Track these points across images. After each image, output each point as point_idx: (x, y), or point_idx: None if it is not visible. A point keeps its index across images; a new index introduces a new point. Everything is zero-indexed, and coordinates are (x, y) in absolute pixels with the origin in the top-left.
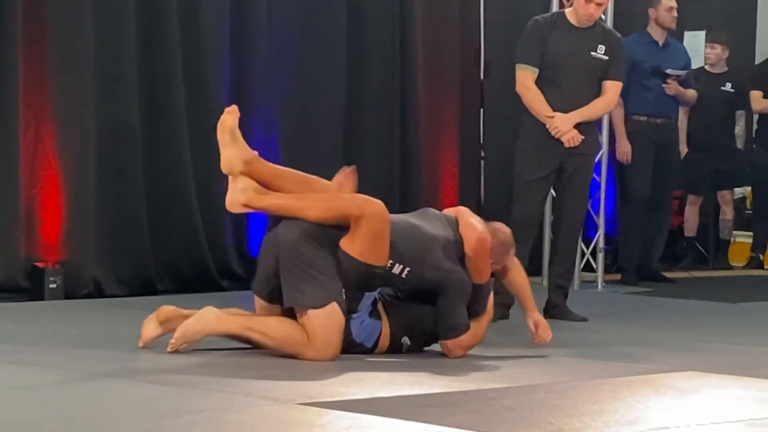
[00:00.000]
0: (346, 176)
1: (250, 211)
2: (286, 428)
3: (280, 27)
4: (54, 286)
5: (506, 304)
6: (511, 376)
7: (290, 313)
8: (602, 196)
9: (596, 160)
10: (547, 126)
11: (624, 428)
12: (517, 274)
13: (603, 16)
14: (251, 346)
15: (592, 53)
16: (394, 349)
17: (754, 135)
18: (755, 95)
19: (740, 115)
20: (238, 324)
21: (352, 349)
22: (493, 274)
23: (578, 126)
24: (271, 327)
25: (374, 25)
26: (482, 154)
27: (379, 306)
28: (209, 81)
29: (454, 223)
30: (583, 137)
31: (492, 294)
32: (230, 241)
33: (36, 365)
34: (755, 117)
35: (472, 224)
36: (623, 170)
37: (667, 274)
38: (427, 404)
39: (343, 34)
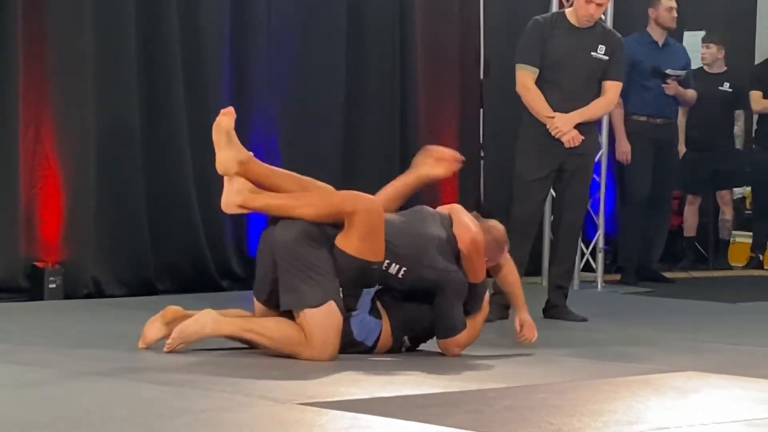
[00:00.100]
0: (436, 159)
1: (246, 212)
2: (286, 428)
3: (279, 27)
4: (54, 286)
5: (505, 304)
6: (511, 376)
7: (289, 315)
8: (602, 196)
9: (596, 160)
10: (548, 126)
11: (624, 428)
12: (510, 272)
13: (603, 16)
14: (250, 346)
15: (592, 53)
16: (394, 348)
17: (753, 135)
18: (755, 95)
19: (739, 115)
20: (235, 326)
21: (353, 348)
22: (489, 275)
23: (578, 126)
24: (268, 328)
25: (374, 24)
26: (482, 154)
27: (379, 305)
28: (209, 81)
29: (448, 221)
30: (583, 137)
31: (487, 291)
32: (230, 241)
33: (36, 365)
34: (755, 117)
35: (465, 223)
36: (623, 170)
37: (667, 275)
38: (427, 404)
39: (343, 34)
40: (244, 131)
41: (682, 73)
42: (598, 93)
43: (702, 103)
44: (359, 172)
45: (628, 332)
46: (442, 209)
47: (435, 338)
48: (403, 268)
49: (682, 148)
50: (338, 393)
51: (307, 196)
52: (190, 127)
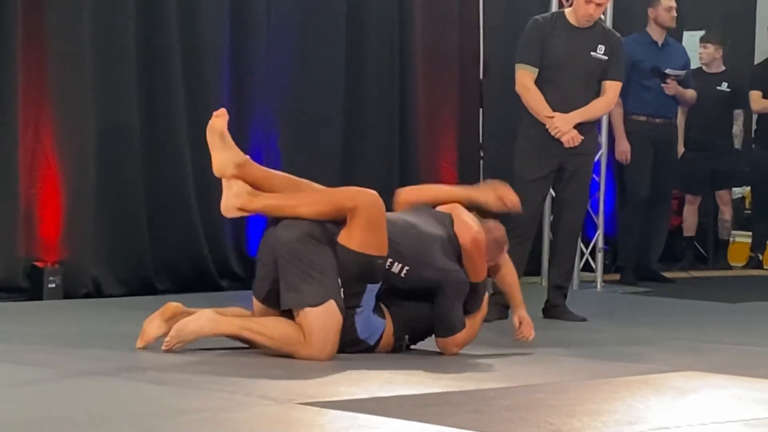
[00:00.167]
0: (498, 196)
1: (246, 214)
2: (286, 428)
3: (279, 27)
4: (53, 285)
5: (504, 304)
6: (511, 376)
7: (288, 314)
8: (601, 196)
9: (596, 160)
10: (547, 126)
11: (624, 428)
12: (509, 273)
13: (602, 16)
14: (249, 346)
15: (592, 53)
16: (395, 347)
17: (753, 135)
18: (754, 95)
19: (738, 115)
20: (234, 325)
21: (354, 347)
22: (488, 275)
23: (578, 126)
24: (267, 327)
25: (374, 25)
26: (482, 154)
27: (381, 304)
28: (209, 81)
29: (449, 220)
30: (582, 137)
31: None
32: (229, 240)
33: (35, 365)
34: (754, 117)
35: (466, 222)
36: (622, 170)
37: (667, 274)
38: (426, 404)
39: (343, 34)
40: (243, 131)
41: (682, 72)
42: (597, 93)
43: (700, 103)
44: (359, 172)
45: (628, 332)
46: (443, 209)
47: (433, 337)
48: (406, 268)
49: (681, 148)
50: (338, 392)
51: (306, 195)
52: (189, 127)
